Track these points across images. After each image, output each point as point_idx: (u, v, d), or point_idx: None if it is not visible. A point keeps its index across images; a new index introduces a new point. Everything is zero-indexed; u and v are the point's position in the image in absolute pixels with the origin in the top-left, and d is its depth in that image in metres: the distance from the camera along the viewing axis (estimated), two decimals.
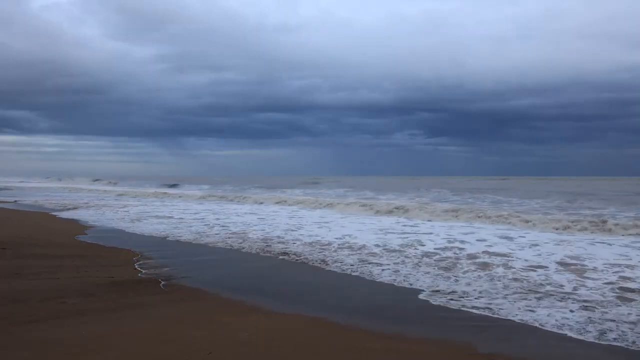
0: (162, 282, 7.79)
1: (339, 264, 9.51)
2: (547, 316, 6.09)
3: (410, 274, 8.64)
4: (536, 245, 12.03)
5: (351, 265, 9.37)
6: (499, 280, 8.05)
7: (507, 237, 13.40)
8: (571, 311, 6.29)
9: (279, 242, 12.38)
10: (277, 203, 29.20)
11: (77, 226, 16.07)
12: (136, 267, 9.04)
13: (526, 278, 8.23)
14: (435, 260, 9.85)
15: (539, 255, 10.52)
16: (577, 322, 5.87)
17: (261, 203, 29.65)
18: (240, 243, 12.28)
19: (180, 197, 36.84)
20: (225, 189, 49.74)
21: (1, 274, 7.97)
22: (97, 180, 77.56)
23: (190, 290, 7.46)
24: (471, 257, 10.29)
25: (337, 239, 13.07)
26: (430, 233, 14.31)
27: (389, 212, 21.43)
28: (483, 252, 10.92)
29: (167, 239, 13.29)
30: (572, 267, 9.19)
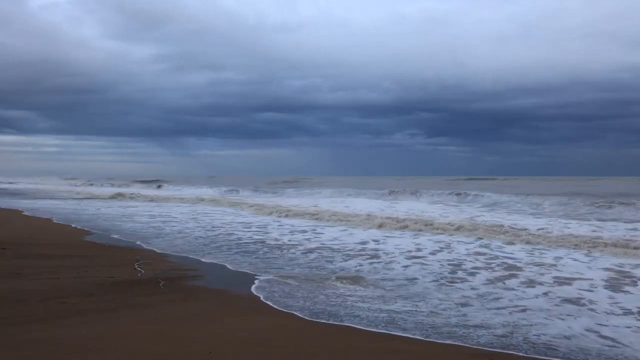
0: (162, 282, 7.78)
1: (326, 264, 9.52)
2: None
3: None
4: None
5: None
6: None
7: None
8: None
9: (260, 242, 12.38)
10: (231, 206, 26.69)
11: (77, 227, 16.06)
12: (136, 267, 9.03)
13: None
14: None
15: None
16: None
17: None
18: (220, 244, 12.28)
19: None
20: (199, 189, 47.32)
21: (1, 274, 7.97)
22: (88, 180, 75.90)
23: (190, 290, 7.45)
24: None
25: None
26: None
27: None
28: None
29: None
30: None
